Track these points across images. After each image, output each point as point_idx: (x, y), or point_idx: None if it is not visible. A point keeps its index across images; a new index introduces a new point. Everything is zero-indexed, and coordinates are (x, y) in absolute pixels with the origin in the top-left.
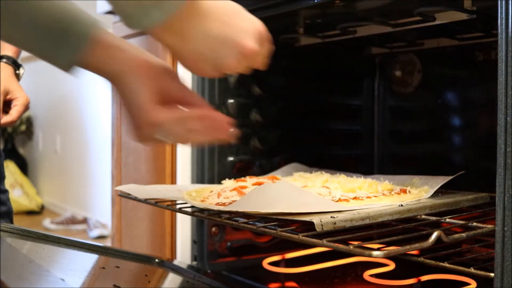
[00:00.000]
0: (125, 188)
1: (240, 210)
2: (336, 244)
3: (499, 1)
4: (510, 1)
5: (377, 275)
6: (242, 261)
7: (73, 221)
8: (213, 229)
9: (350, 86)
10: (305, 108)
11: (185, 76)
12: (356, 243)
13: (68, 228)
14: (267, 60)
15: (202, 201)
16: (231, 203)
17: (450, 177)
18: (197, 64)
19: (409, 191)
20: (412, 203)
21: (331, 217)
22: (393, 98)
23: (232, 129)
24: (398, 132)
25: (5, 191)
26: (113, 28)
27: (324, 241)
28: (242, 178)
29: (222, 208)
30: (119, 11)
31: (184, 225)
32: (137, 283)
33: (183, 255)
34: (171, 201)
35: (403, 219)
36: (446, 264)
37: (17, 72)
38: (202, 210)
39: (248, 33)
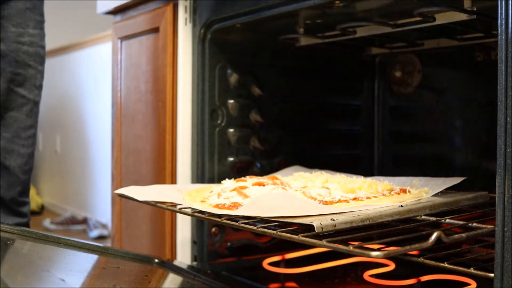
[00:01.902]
0: (125, 190)
1: (240, 214)
2: (336, 244)
3: (499, 1)
4: (510, 1)
5: (377, 276)
6: (242, 261)
7: (73, 221)
8: (213, 229)
9: (350, 86)
10: (305, 108)
11: (186, 77)
12: (356, 243)
13: (68, 228)
14: None
15: (202, 201)
16: (231, 203)
17: (451, 179)
18: None
19: (409, 191)
20: (412, 204)
21: (331, 219)
22: (393, 98)
23: None
24: (398, 133)
25: (27, 203)
26: (113, 28)
27: (324, 242)
28: (242, 178)
29: (221, 211)
30: None
31: (184, 226)
32: (137, 284)
33: (183, 255)
34: (171, 203)
35: (403, 220)
36: (446, 265)
37: None
38: (202, 211)
39: None
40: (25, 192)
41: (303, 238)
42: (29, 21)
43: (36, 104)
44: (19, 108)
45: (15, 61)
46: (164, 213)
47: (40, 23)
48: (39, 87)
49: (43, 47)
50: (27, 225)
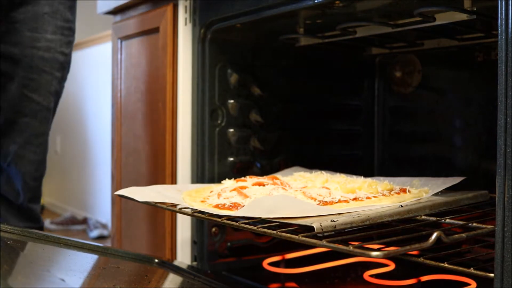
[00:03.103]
0: (125, 191)
1: (240, 215)
2: (336, 244)
3: (499, 1)
4: (510, 1)
5: (377, 276)
6: (242, 261)
7: (73, 221)
8: (213, 229)
9: (350, 86)
10: (305, 108)
11: (186, 77)
12: (356, 243)
13: (68, 228)
14: None
15: (202, 201)
16: (231, 204)
17: (451, 179)
18: None
19: (408, 191)
20: (412, 204)
21: (331, 220)
22: (393, 98)
23: None
24: (398, 132)
25: (38, 209)
26: (113, 28)
27: (324, 242)
28: (242, 178)
29: (221, 211)
30: None
31: (184, 226)
32: (137, 284)
33: (183, 255)
34: (171, 203)
35: (403, 220)
36: (446, 265)
37: None
38: (202, 211)
39: None
40: (35, 199)
41: (303, 238)
42: (47, 26)
43: (49, 110)
44: (33, 115)
45: (29, 66)
46: (164, 213)
47: (62, 29)
48: (55, 94)
49: (63, 53)
50: (40, 230)
